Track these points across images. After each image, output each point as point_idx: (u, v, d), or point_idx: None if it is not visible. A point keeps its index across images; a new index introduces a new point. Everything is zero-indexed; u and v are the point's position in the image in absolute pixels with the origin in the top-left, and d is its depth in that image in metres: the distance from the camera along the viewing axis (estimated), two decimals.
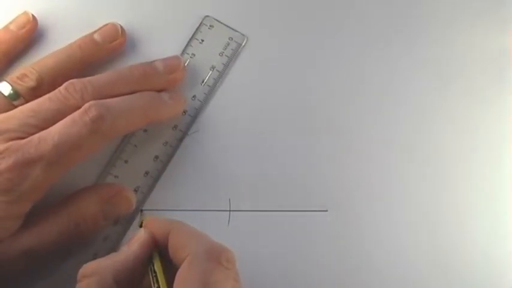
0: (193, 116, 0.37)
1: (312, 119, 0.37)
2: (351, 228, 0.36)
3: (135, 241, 0.29)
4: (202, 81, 0.37)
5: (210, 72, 0.37)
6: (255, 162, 0.36)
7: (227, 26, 0.38)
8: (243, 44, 0.37)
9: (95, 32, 0.35)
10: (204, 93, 0.37)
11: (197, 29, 0.37)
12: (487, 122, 0.37)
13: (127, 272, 0.27)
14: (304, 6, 0.38)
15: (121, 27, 0.36)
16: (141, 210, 0.35)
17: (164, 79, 0.35)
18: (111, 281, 0.26)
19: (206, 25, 0.38)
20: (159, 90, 0.35)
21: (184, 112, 0.36)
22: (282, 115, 0.37)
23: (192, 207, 0.35)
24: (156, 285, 0.27)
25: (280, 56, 0.38)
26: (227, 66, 0.37)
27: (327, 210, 0.36)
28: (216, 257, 0.26)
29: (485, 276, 0.36)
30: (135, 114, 0.32)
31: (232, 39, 0.37)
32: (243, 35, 0.38)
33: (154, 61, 0.35)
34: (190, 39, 0.37)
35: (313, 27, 0.38)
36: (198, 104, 0.37)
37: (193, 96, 0.37)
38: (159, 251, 0.29)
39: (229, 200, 0.36)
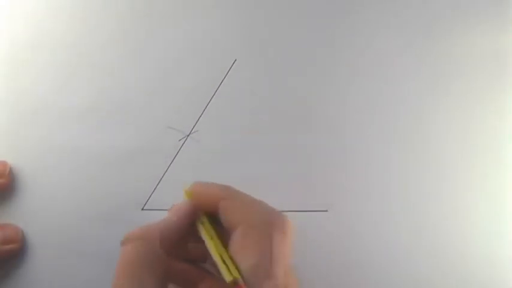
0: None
1: (311, 119, 0.37)
2: (351, 228, 0.36)
3: (179, 210, 0.29)
4: None
5: None
6: (255, 162, 0.36)
7: None
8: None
9: None
10: None
11: None
12: (487, 122, 0.37)
13: (171, 237, 0.28)
14: (303, 4, 0.38)
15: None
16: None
17: None
18: (155, 245, 0.27)
19: None
20: None
21: None
22: (282, 115, 0.37)
23: None
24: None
25: (280, 55, 0.38)
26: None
27: (327, 210, 0.36)
28: (275, 222, 0.27)
29: (486, 277, 0.36)
30: None
31: None
32: None
33: None
34: None
35: (313, 24, 0.38)
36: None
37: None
38: (206, 215, 0.29)
39: None
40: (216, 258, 0.26)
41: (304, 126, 0.37)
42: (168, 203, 0.35)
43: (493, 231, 0.36)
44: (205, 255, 0.31)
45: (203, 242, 0.28)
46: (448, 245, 0.36)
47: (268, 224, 0.26)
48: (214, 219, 0.29)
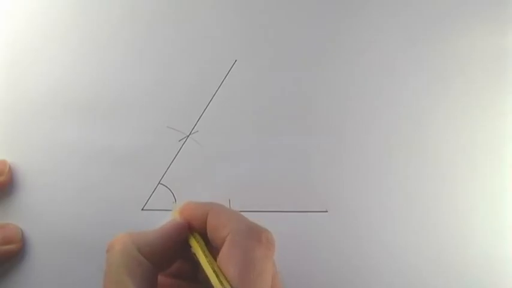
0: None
1: (311, 119, 0.37)
2: (351, 229, 0.36)
3: (168, 222, 0.30)
4: None
5: None
6: (255, 162, 0.36)
7: None
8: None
9: None
10: None
11: None
12: (487, 122, 0.37)
13: (153, 246, 0.28)
14: (303, 4, 0.38)
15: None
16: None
17: None
18: (134, 250, 0.27)
19: None
20: None
21: None
22: (282, 115, 0.37)
23: None
24: (200, 265, 0.28)
25: (280, 55, 0.38)
26: None
27: (326, 211, 0.36)
28: (257, 235, 0.27)
29: (486, 276, 0.36)
30: None
31: None
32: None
33: None
34: None
35: (314, 24, 0.38)
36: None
37: None
38: (196, 234, 0.30)
39: (229, 200, 0.36)
40: (208, 270, 0.27)
41: (304, 126, 0.37)
42: (168, 203, 0.36)
43: (493, 231, 0.36)
44: (196, 273, 0.31)
45: (194, 260, 0.29)
46: (448, 245, 0.36)
47: (252, 236, 0.27)
48: (206, 241, 0.29)
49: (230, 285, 0.25)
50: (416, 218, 0.36)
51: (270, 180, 0.36)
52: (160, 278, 0.29)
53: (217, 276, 0.26)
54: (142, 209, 0.36)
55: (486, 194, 0.37)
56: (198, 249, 0.29)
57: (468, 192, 0.37)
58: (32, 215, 0.36)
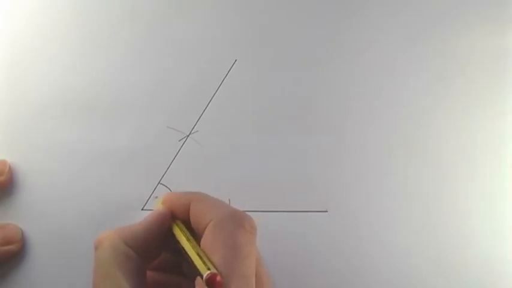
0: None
1: (311, 119, 0.37)
2: (351, 229, 0.36)
3: (151, 213, 0.30)
4: None
5: None
6: (255, 162, 0.36)
7: None
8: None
9: None
10: None
11: None
12: (487, 122, 0.37)
13: (138, 238, 0.29)
14: (304, 4, 0.38)
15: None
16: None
17: None
18: (122, 244, 0.28)
19: None
20: None
21: None
22: (282, 115, 0.37)
23: None
24: (184, 252, 0.28)
25: (280, 55, 0.38)
26: None
27: (326, 211, 0.36)
28: (240, 221, 0.27)
29: (486, 276, 0.36)
30: None
31: None
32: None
33: None
34: None
35: (314, 24, 0.38)
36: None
37: None
38: (179, 222, 0.30)
39: (229, 200, 0.36)
40: (192, 254, 0.27)
41: (304, 126, 0.37)
42: None
43: (493, 231, 0.36)
44: (180, 266, 0.31)
45: (179, 252, 0.29)
46: (448, 245, 0.36)
47: (236, 221, 0.27)
48: (189, 229, 0.30)
49: (215, 267, 0.25)
50: (416, 218, 0.36)
51: (270, 180, 0.36)
52: (150, 273, 0.30)
53: (201, 259, 0.26)
54: (142, 209, 0.36)
55: (486, 194, 0.37)
56: (181, 235, 0.29)
57: (468, 192, 0.37)
58: (32, 215, 0.36)
